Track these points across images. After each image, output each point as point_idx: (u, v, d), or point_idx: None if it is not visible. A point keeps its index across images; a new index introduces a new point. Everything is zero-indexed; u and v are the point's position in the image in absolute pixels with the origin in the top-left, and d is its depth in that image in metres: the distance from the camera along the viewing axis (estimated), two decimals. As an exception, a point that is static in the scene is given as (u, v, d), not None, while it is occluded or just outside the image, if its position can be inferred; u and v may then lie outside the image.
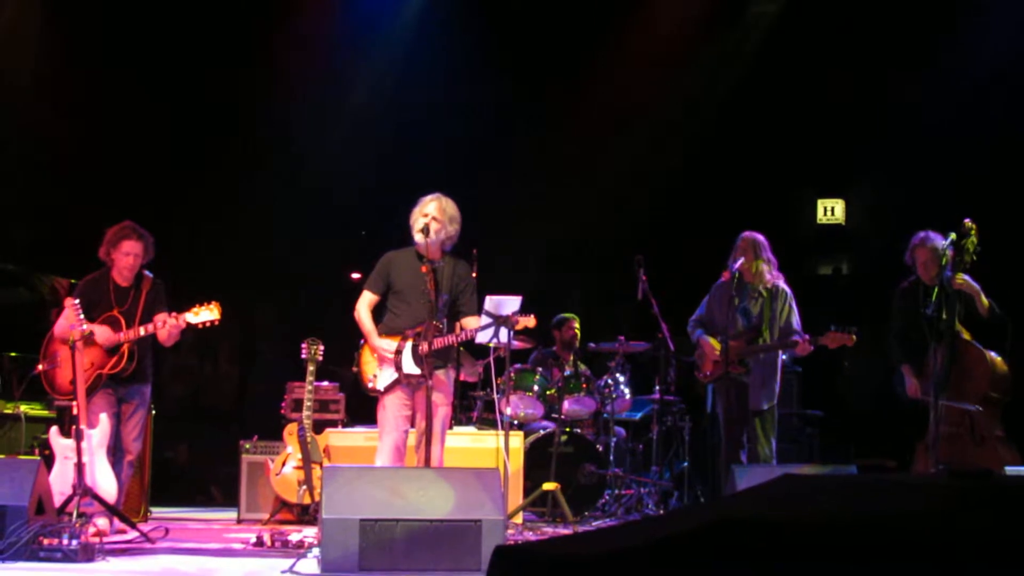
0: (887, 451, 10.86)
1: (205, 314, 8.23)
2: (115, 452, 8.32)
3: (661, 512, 9.92)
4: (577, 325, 11.05)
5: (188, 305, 8.28)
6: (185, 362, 12.68)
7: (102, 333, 8.24)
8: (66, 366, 8.19)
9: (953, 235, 8.06)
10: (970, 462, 8.07)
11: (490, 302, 7.85)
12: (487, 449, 9.40)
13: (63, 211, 11.54)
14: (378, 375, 7.81)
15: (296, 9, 12.43)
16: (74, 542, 6.72)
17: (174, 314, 8.25)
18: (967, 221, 8.04)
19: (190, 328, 8.32)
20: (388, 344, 7.76)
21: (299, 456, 9.30)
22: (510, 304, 7.84)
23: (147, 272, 8.57)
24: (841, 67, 12.17)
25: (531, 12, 12.40)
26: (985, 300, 8.29)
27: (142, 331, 8.24)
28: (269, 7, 12.23)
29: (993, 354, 8.31)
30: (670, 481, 10.53)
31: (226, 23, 12.00)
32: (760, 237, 9.13)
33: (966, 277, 8.21)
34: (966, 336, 8.32)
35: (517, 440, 9.54)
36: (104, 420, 8.12)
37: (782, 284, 9.13)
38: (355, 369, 8.00)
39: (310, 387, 9.43)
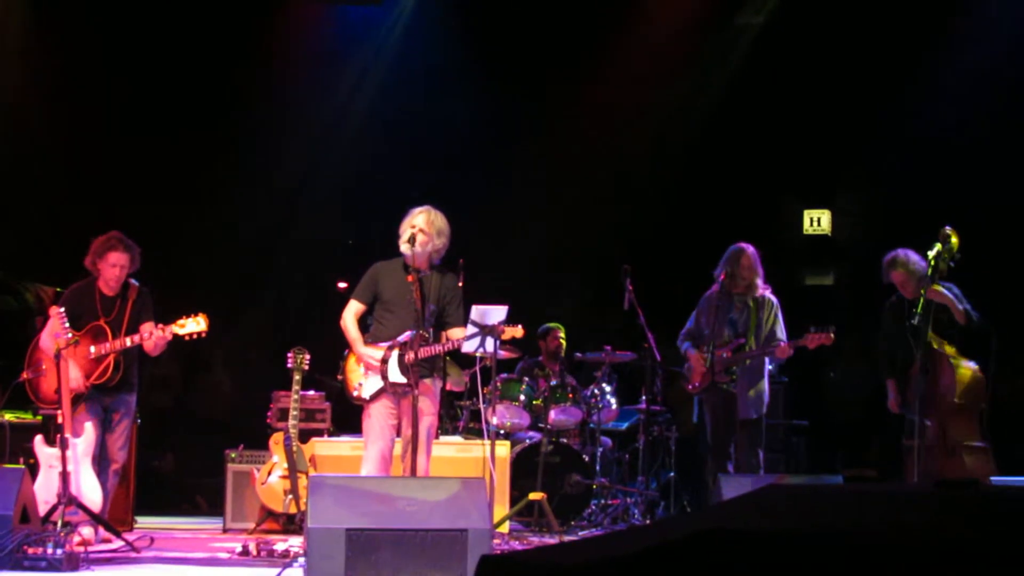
0: (874, 461, 10.88)
1: (192, 325, 8.21)
2: (100, 461, 8.30)
3: (647, 522, 9.93)
4: (562, 335, 11.05)
5: (175, 314, 8.27)
6: (171, 371, 12.64)
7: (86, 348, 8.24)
8: (51, 374, 8.17)
9: (939, 245, 8.09)
10: (939, 473, 8.09)
11: (476, 312, 7.85)
12: (473, 458, 9.39)
13: (49, 218, 11.51)
14: (364, 384, 7.80)
15: (289, 16, 12.44)
16: (59, 551, 6.71)
17: (160, 325, 8.24)
18: (946, 228, 8.08)
19: (176, 338, 8.30)
20: (374, 352, 7.76)
21: (285, 465, 9.28)
22: (496, 314, 7.84)
23: (134, 281, 8.55)
24: (827, 78, 12.19)
25: (519, 24, 12.40)
26: (960, 308, 8.32)
27: (128, 341, 8.22)
28: (263, 14, 12.21)
29: (970, 364, 8.32)
30: (656, 491, 10.53)
31: (219, 30, 11.98)
32: (749, 248, 9.16)
33: (941, 287, 8.25)
34: (944, 349, 8.34)
35: (503, 449, 9.54)
36: (89, 429, 8.10)
37: (769, 295, 9.16)
38: (340, 378, 8.01)
39: (296, 396, 9.42)
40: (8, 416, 9.45)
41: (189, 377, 12.98)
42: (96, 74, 11.79)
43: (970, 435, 8.33)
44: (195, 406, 12.92)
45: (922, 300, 8.21)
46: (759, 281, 9.15)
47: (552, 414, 10.06)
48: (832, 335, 8.68)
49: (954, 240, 8.06)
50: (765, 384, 9.13)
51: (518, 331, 7.82)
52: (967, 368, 8.32)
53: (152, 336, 8.19)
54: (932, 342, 8.28)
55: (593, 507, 10.11)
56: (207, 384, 13.07)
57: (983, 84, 11.40)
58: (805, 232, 13.13)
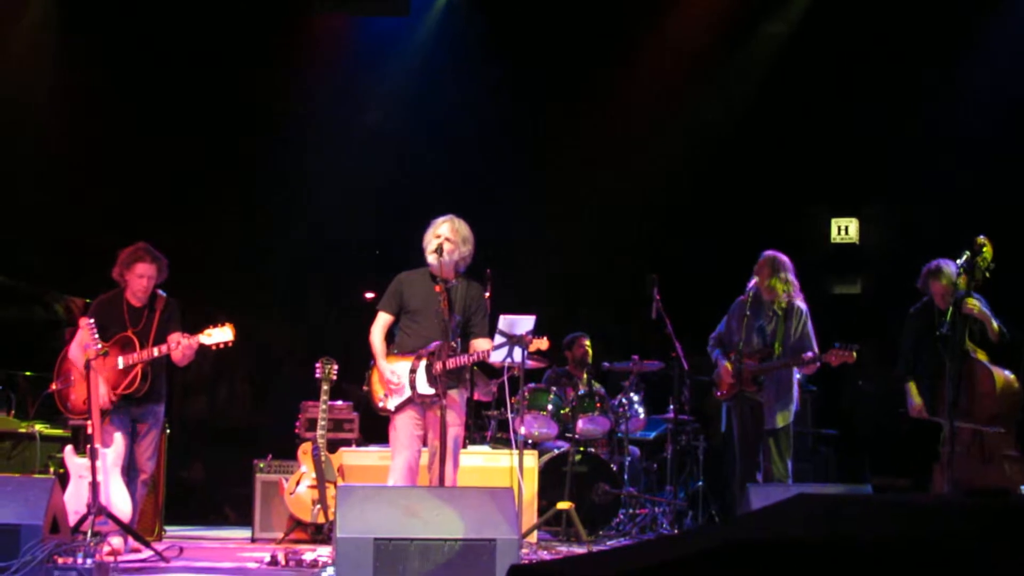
0: (902, 470, 10.83)
1: (219, 335, 8.24)
2: (129, 471, 8.33)
3: (676, 531, 9.90)
4: (588, 343, 11.03)
5: (204, 324, 8.30)
6: (201, 381, 12.69)
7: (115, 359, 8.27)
8: (80, 385, 8.21)
9: (967, 253, 8.05)
10: (977, 481, 8.05)
11: (504, 321, 7.85)
12: (501, 468, 9.39)
13: (78, 230, 11.56)
14: (389, 395, 7.80)
15: (316, 28, 12.47)
16: (88, 561, 6.73)
17: (187, 335, 8.27)
18: (980, 237, 8.03)
19: (203, 348, 8.33)
20: (398, 368, 7.73)
21: (313, 475, 9.29)
22: (524, 323, 7.84)
23: (161, 292, 8.58)
24: (855, 85, 12.17)
25: (545, 35, 12.41)
26: (995, 325, 8.29)
27: (156, 352, 8.25)
28: (291, 25, 12.25)
29: (1006, 373, 8.29)
30: (684, 500, 10.50)
31: (247, 42, 12.02)
32: (781, 256, 9.11)
33: (977, 301, 8.21)
34: (979, 355, 8.31)
35: (531, 459, 9.53)
36: (118, 439, 8.14)
37: (799, 303, 9.11)
38: (366, 388, 8.00)
39: (324, 406, 9.43)
40: (38, 427, 9.50)
41: (219, 387, 13.03)
42: (123, 85, 11.85)
43: (1007, 444, 8.29)
44: (223, 416, 12.96)
45: (951, 310, 8.17)
46: (791, 289, 9.11)
47: (580, 423, 10.04)
48: (855, 354, 8.64)
49: (987, 250, 8.01)
50: (794, 393, 9.09)
51: (543, 343, 7.81)
52: (1005, 376, 8.29)
53: (180, 346, 8.22)
54: (968, 350, 8.26)
55: (621, 517, 10.09)
56: (235, 394, 13.11)
57: (1013, 90, 11.34)
58: (833, 241, 13.10)
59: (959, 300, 8.16)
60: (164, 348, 8.26)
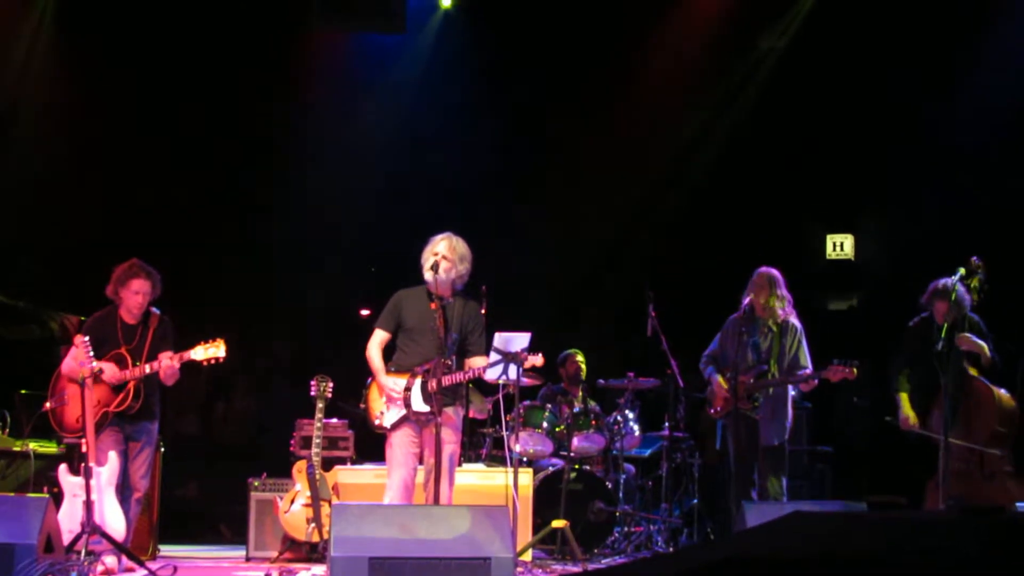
0: (898, 487, 10.82)
1: (211, 351, 8.22)
2: (123, 490, 8.30)
3: (671, 550, 9.88)
4: (580, 358, 11.03)
5: (197, 340, 8.28)
6: (196, 399, 12.67)
7: (109, 371, 8.24)
8: (74, 403, 8.20)
9: (962, 270, 8.07)
10: (979, 498, 8.07)
11: (499, 339, 7.85)
12: (496, 486, 9.37)
13: (73, 248, 11.55)
14: (385, 412, 7.80)
15: (313, 44, 12.48)
16: (82, 580, 6.72)
17: (169, 353, 8.24)
18: (974, 259, 8.05)
19: (194, 364, 8.31)
20: (397, 383, 7.75)
21: (308, 494, 9.27)
22: (519, 341, 7.84)
23: (154, 309, 8.56)
24: (850, 102, 12.19)
25: (541, 53, 12.43)
26: (987, 353, 8.33)
27: (147, 369, 8.23)
28: (287, 42, 12.26)
29: (1003, 391, 8.31)
30: (680, 518, 10.49)
31: (244, 58, 12.04)
32: (774, 273, 9.14)
33: (971, 337, 8.25)
34: (973, 372, 8.33)
35: (526, 477, 9.51)
36: (113, 458, 8.11)
37: (793, 320, 9.13)
38: (363, 406, 8.00)
39: (319, 424, 9.41)
40: (32, 445, 9.48)
41: (215, 405, 13.02)
42: (120, 102, 11.85)
43: (1007, 461, 8.31)
44: (218, 434, 12.93)
45: (946, 326, 8.19)
46: (785, 305, 9.12)
47: (575, 441, 10.02)
48: (856, 370, 8.64)
49: (980, 271, 8.04)
50: (788, 410, 9.09)
51: (538, 360, 7.82)
52: (1004, 395, 8.32)
53: (166, 365, 8.20)
54: (969, 368, 8.29)
55: (616, 535, 10.06)
56: (230, 412, 13.09)
57: (1006, 107, 11.37)
58: (828, 257, 13.12)
59: (956, 323, 8.18)
60: (156, 365, 8.24)
